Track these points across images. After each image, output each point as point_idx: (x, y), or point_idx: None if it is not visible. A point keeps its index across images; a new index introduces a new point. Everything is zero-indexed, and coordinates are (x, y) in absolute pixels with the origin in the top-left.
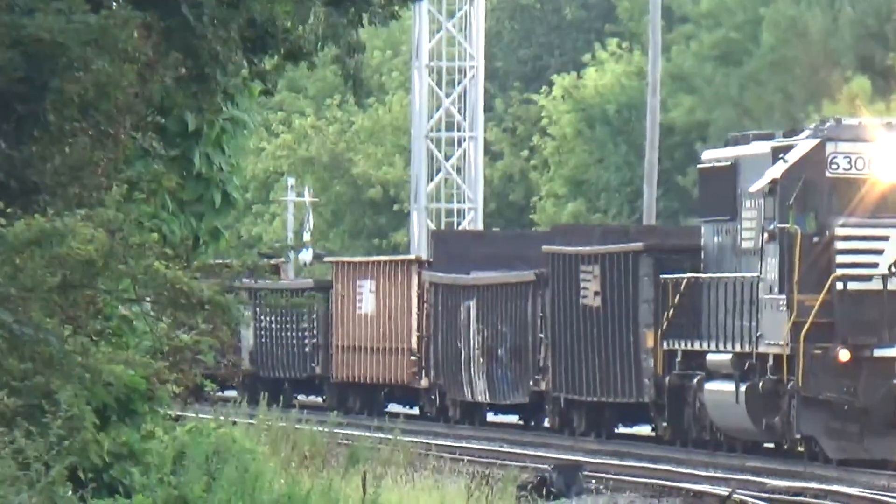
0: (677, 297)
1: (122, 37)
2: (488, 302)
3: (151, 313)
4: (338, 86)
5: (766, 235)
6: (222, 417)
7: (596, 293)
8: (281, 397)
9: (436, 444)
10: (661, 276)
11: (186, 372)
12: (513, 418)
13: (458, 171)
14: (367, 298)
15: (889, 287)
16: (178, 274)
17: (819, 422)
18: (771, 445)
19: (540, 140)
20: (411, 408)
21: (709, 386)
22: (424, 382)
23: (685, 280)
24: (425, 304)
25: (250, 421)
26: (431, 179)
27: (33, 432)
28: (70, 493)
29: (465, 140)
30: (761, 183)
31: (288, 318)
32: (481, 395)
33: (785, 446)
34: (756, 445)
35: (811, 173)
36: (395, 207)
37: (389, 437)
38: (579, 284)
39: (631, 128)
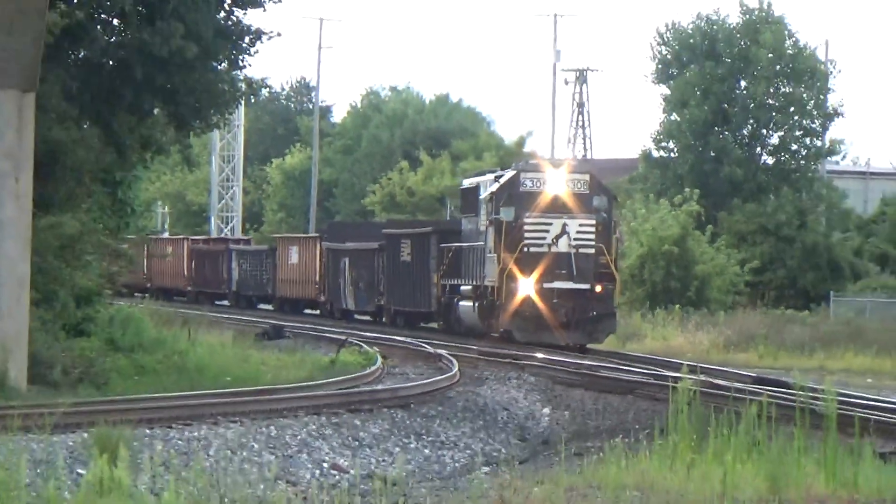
0: (448, 257)
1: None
2: (355, 259)
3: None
4: (179, 161)
5: (488, 222)
6: (133, 304)
7: (409, 254)
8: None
9: (225, 318)
10: (441, 245)
11: (113, 285)
12: (367, 318)
13: (232, 199)
14: (293, 255)
15: (552, 250)
16: (110, 241)
17: (513, 322)
18: (496, 335)
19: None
20: (315, 311)
21: (461, 303)
22: (322, 299)
23: (453, 248)
24: (323, 259)
25: (141, 305)
26: (220, 202)
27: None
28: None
29: (234, 185)
30: (486, 194)
31: (255, 264)
32: (351, 305)
33: (497, 335)
34: (485, 336)
35: (512, 188)
36: (203, 214)
37: (210, 314)
38: (401, 250)
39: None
